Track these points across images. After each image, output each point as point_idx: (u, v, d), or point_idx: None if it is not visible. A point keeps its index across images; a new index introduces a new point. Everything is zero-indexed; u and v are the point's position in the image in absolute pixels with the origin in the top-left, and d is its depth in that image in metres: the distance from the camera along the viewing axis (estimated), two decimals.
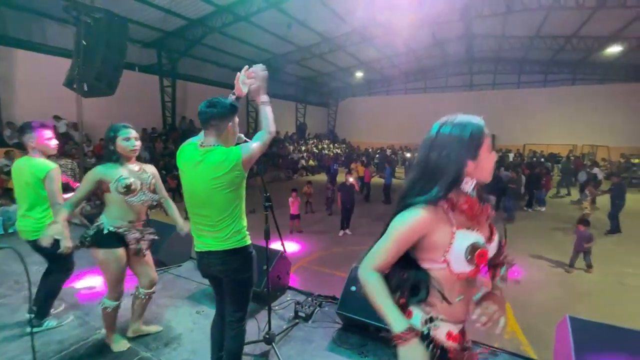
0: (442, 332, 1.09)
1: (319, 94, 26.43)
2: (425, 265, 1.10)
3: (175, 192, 9.60)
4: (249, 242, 1.86)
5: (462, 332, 1.16)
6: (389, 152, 22.24)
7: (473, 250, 1.02)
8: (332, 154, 23.33)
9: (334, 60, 18.85)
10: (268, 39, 14.35)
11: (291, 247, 6.77)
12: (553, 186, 12.07)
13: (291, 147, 20.29)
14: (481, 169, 1.08)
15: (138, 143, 2.26)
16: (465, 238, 1.03)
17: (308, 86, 24.07)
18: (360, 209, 8.61)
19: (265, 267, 2.61)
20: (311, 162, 19.94)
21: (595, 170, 11.46)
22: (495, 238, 1.17)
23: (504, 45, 17.31)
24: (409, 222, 1.05)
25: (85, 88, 5.36)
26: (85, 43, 5.21)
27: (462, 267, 1.03)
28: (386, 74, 23.35)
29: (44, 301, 2.63)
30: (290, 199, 7.56)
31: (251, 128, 19.87)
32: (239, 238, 1.79)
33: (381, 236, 1.14)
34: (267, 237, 2.17)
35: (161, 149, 12.74)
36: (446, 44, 18.22)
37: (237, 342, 1.89)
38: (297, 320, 2.87)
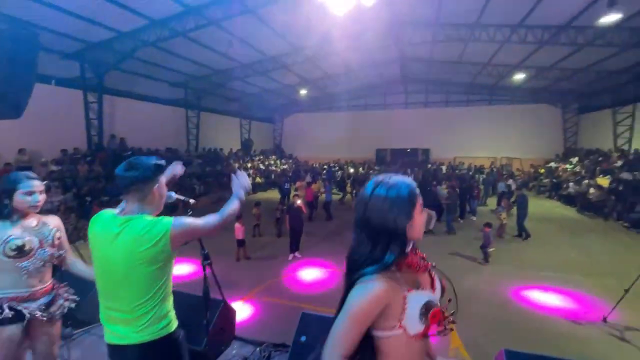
0: None
1: (264, 110, 26.22)
2: (379, 333, 1.07)
3: None
4: (174, 327, 1.55)
5: None
6: (333, 166, 22.78)
7: (427, 310, 1.03)
8: (279, 170, 23.15)
9: (278, 77, 18.94)
10: (208, 54, 13.91)
11: (239, 275, 6.43)
12: (481, 196, 13.48)
13: (236, 165, 19.64)
14: (414, 228, 1.11)
15: (42, 197, 1.90)
16: (418, 299, 1.04)
17: (253, 102, 23.75)
18: (307, 228, 8.55)
19: (205, 321, 2.39)
20: (258, 180, 19.50)
21: (510, 181, 13.08)
22: (437, 285, 1.21)
23: (432, 69, 19.15)
24: (367, 299, 1.02)
25: None
26: None
27: (417, 327, 1.03)
28: (329, 91, 24.11)
29: None
30: (237, 225, 7.22)
31: (191, 145, 18.85)
32: (161, 326, 1.48)
33: (338, 312, 1.09)
34: (207, 299, 1.97)
35: (85, 171, 11.35)
36: (383, 66, 19.52)
37: None
38: None
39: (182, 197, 1.90)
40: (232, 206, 1.65)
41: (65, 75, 12.13)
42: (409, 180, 1.15)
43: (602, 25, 10.27)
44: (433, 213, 9.64)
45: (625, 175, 13.05)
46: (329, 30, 12.47)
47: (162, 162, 1.59)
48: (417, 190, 1.14)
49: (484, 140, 23.22)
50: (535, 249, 7.96)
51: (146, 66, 14.00)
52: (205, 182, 15.57)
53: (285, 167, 24.47)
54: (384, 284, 1.02)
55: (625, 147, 16.40)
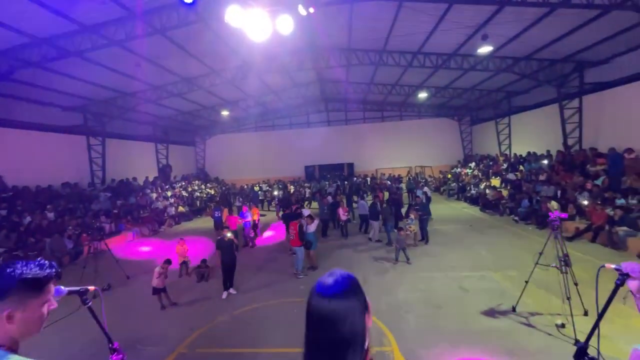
0: None
1: (183, 133, 24.53)
2: None
3: None
4: None
5: None
6: (264, 187, 22.33)
7: None
8: (205, 196, 21.67)
9: (196, 99, 17.98)
10: (111, 76, 12.42)
11: (168, 325, 5.64)
12: (405, 202, 14.60)
13: (154, 195, 17.73)
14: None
15: None
16: None
17: (169, 125, 22.00)
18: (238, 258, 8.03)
19: None
20: (181, 209, 17.89)
21: (425, 189, 14.56)
22: None
23: (349, 89, 20.52)
24: None
25: None
26: None
27: None
28: (252, 112, 23.83)
29: None
30: (158, 269, 6.38)
31: (97, 177, 16.34)
32: None
33: None
34: None
35: None
36: (304, 87, 20.16)
37: None
38: None
39: (75, 289, 1.45)
40: None
41: None
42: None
43: (479, 55, 12.37)
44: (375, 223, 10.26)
45: (510, 176, 15.68)
46: (248, 54, 12.39)
47: (38, 273, 1.11)
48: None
49: (399, 151, 25.58)
50: (452, 251, 8.89)
51: (29, 89, 11.84)
52: (116, 218, 13.58)
53: (211, 191, 23.05)
54: None
55: (507, 152, 19.84)
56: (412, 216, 9.70)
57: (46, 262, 1.18)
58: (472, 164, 21.64)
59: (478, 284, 6.54)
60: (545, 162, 14.57)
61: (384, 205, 10.65)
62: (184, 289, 7.36)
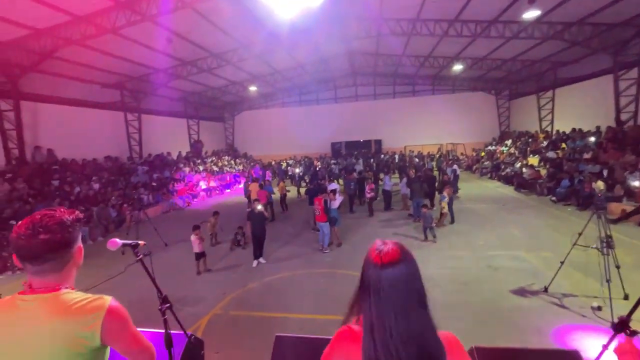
0: None
1: (213, 109, 25.04)
2: None
3: None
4: None
5: None
6: (291, 162, 22.54)
7: None
8: (233, 171, 22.35)
9: (225, 74, 18.12)
10: (144, 52, 12.78)
11: (203, 290, 6.08)
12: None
13: (187, 169, 18.54)
14: None
15: None
16: None
17: (199, 101, 22.51)
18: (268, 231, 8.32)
19: None
20: (212, 184, 18.62)
21: (455, 166, 14.03)
22: None
23: (379, 62, 19.70)
24: None
25: None
26: None
27: None
28: (280, 87, 23.73)
29: None
30: (193, 237, 6.80)
31: (135, 152, 17.30)
32: None
33: None
34: (170, 346, 1.74)
35: (7, 192, 9.87)
36: (332, 60, 19.63)
37: None
38: None
39: (129, 242, 1.60)
40: None
41: None
42: None
43: (524, 20, 11.32)
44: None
45: (550, 154, 14.70)
46: (276, 26, 12.16)
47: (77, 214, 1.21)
48: None
49: (430, 128, 24.61)
50: (482, 230, 8.64)
51: (72, 67, 12.49)
52: (153, 190, 14.44)
53: (240, 167, 23.70)
54: None
55: (549, 129, 18.48)
56: (445, 193, 9.15)
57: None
58: (509, 142, 20.45)
59: (509, 263, 6.37)
60: (592, 139, 13.45)
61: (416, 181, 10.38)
62: (217, 258, 7.80)
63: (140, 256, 1.65)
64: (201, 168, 19.97)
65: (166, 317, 1.75)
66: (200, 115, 23.60)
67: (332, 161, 21.44)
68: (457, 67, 18.33)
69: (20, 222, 1.11)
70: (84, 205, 10.80)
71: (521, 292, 5.21)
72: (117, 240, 1.52)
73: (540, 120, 19.20)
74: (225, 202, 15.76)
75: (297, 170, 18.07)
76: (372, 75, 24.27)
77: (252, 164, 23.74)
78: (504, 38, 13.42)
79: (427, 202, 9.10)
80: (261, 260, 7.28)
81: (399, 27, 13.40)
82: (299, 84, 23.85)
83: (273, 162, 23.84)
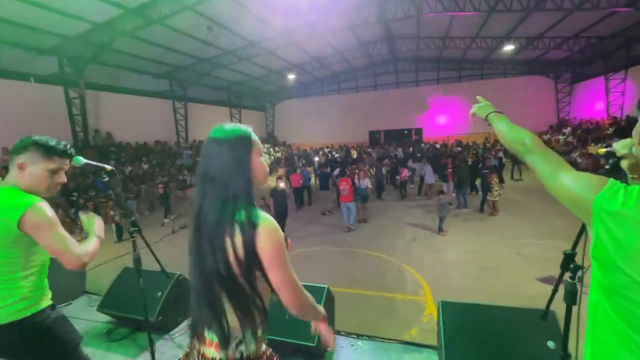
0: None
1: (254, 98, 25.95)
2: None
3: None
4: (39, 308, 1.45)
5: None
6: (326, 150, 22.63)
7: None
8: (273, 158, 23.05)
9: (264, 63, 18.62)
10: (189, 42, 13.62)
11: None
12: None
13: None
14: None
15: None
16: None
17: (241, 90, 23.46)
18: (293, 214, 8.59)
19: (159, 293, 2.41)
20: None
21: (500, 154, 13.00)
22: None
23: (421, 46, 18.76)
24: None
25: None
26: None
27: None
28: (318, 75, 23.78)
29: None
30: None
31: (181, 137, 18.66)
32: (21, 307, 1.39)
33: None
34: (138, 264, 1.96)
35: (72, 168, 11.29)
36: (371, 46, 19.17)
37: None
38: None
39: (93, 163, 1.83)
40: (95, 247, 1.55)
41: (44, 72, 11.95)
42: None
43: None
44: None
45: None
46: (312, 13, 12.16)
47: (45, 141, 1.52)
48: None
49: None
50: (517, 218, 8.02)
51: (127, 58, 13.75)
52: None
53: (279, 155, 24.37)
54: None
55: (617, 115, 16.27)
56: (493, 181, 8.35)
57: (64, 143, 1.50)
58: (567, 129, 18.40)
59: (541, 251, 5.84)
60: None
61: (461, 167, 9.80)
62: None
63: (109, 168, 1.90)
64: None
65: (135, 239, 1.95)
66: (242, 104, 24.62)
67: (369, 149, 21.10)
68: (508, 48, 16.80)
69: None
70: (134, 183, 11.98)
71: (549, 280, 4.77)
72: (82, 159, 1.73)
73: (608, 104, 16.96)
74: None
75: (316, 159, 18.11)
76: (413, 61, 23.25)
77: (288, 152, 24.32)
78: (563, 11, 11.93)
79: (444, 188, 8.62)
80: None
81: (439, 5, 12.62)
82: (336, 71, 23.69)
83: (309, 150, 24.14)
